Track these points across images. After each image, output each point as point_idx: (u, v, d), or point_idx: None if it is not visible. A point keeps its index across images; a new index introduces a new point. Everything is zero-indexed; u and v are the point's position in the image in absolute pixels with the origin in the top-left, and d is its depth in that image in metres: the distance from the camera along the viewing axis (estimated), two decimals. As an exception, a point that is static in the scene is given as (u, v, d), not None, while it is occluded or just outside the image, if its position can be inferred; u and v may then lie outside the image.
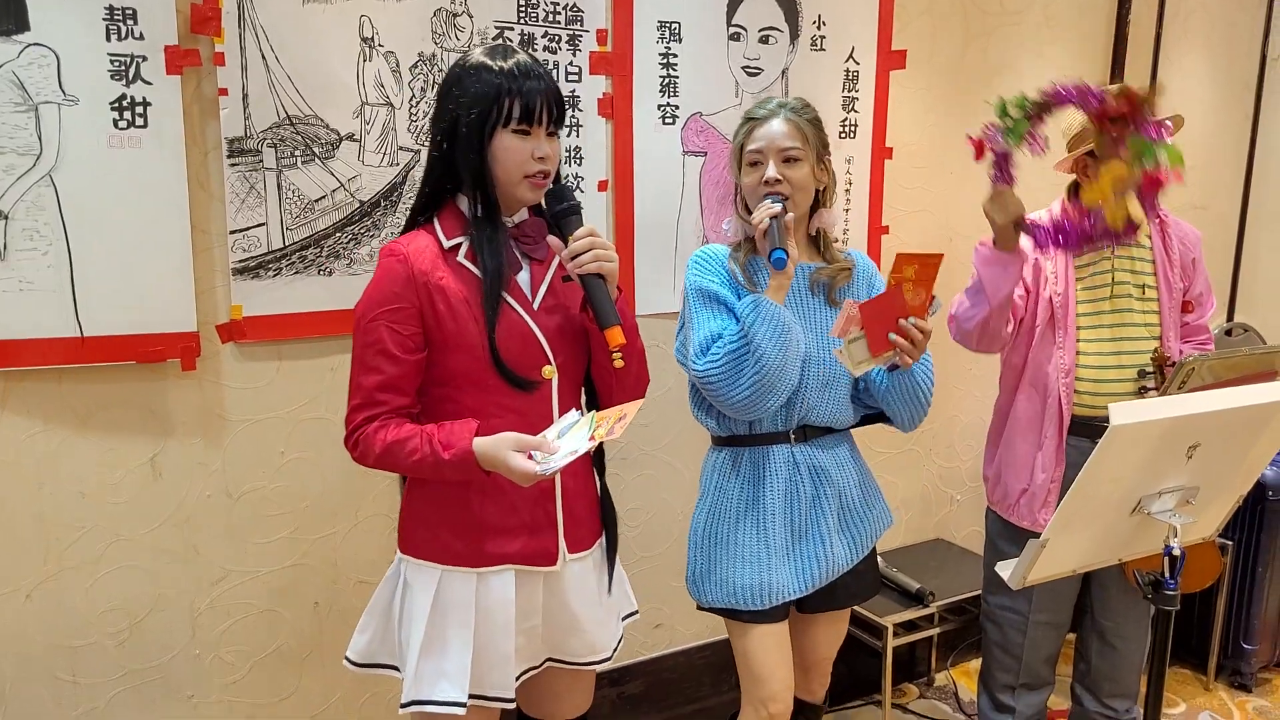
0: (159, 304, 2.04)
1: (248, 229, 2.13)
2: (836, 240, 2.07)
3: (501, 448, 1.55)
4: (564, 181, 1.73)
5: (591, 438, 1.52)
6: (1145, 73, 3.54)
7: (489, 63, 1.61)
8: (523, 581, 1.71)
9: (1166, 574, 1.32)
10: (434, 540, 1.70)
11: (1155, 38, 3.52)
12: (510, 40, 2.36)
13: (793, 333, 1.84)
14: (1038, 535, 2.40)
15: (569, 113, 2.47)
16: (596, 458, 1.85)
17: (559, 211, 1.69)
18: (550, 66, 2.42)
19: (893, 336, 1.82)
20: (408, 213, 1.75)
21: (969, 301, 2.33)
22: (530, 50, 2.37)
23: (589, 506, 1.81)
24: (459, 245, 1.66)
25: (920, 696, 3.21)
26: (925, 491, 3.34)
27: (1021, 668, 2.60)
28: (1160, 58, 3.55)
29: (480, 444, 1.57)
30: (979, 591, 2.81)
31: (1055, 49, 3.32)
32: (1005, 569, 1.32)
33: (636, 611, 1.96)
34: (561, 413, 1.72)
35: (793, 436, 1.98)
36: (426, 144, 1.71)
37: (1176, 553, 1.31)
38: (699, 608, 2.05)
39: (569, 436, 1.59)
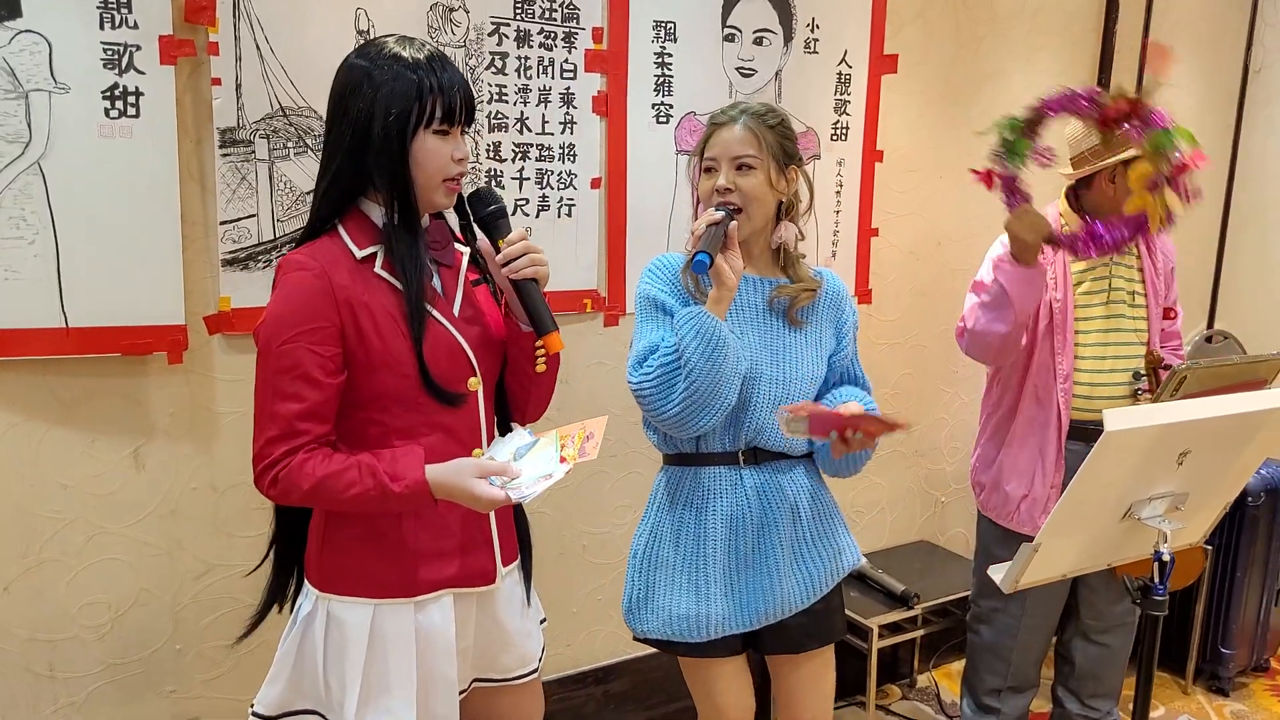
0: (146, 296, 2.02)
1: (238, 220, 2.11)
2: (804, 256, 1.95)
3: (463, 475, 1.45)
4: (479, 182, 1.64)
5: (563, 459, 1.44)
6: (1131, 82, 3.56)
7: (402, 55, 1.48)
8: (458, 603, 1.62)
9: (1156, 580, 1.33)
10: (364, 574, 1.57)
11: (1141, 49, 3.55)
12: (507, 37, 2.35)
13: (728, 348, 1.71)
14: (1026, 537, 2.46)
15: (558, 130, 2.45)
16: None
17: (487, 215, 1.60)
18: (546, 63, 2.42)
19: (834, 436, 1.72)
20: (306, 222, 1.60)
21: (987, 316, 2.29)
22: (528, 45, 2.38)
23: (510, 516, 1.72)
24: (373, 255, 1.53)
25: (903, 698, 3.22)
26: (910, 493, 3.36)
27: (1010, 670, 2.61)
28: (1146, 69, 3.58)
29: (435, 473, 1.46)
30: (964, 594, 2.83)
31: (1044, 55, 3.34)
32: (997, 573, 1.33)
33: (544, 619, 1.87)
34: (489, 424, 1.64)
35: (742, 458, 1.86)
36: (322, 147, 1.59)
37: (1166, 558, 1.33)
38: (635, 638, 1.94)
39: (529, 459, 1.50)
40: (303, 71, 2.12)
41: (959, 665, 3.14)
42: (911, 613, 2.87)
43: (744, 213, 1.79)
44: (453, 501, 1.49)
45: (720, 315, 1.71)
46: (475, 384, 1.60)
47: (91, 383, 2.04)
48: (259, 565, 1.76)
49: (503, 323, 1.68)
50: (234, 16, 2.03)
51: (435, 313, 1.56)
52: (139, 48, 1.94)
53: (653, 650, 2.81)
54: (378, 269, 1.53)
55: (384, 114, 1.46)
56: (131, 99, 1.95)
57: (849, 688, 3.06)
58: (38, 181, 1.90)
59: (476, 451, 1.59)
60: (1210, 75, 3.83)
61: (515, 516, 1.75)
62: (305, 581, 1.66)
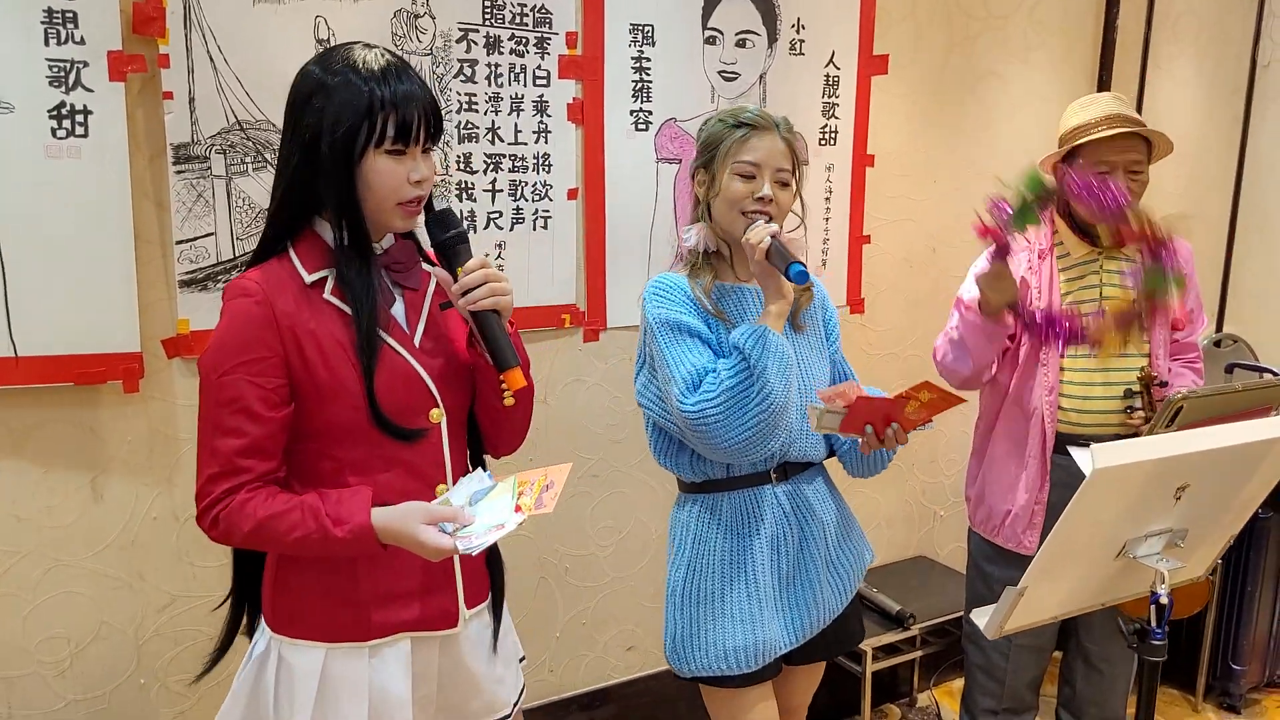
0: (100, 323, 1.93)
1: (195, 239, 2.03)
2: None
3: (409, 521, 1.35)
4: (435, 206, 1.51)
5: (518, 509, 1.35)
6: (1134, 78, 3.46)
7: (356, 65, 1.37)
8: (417, 647, 1.52)
9: (1153, 623, 1.23)
10: (315, 616, 1.48)
11: (1144, 42, 3.45)
12: (475, 44, 2.26)
13: (794, 365, 1.69)
14: (1022, 557, 2.38)
15: (532, 140, 2.36)
16: None
17: (445, 240, 1.47)
18: (518, 70, 2.33)
19: (869, 430, 1.68)
20: (257, 242, 1.49)
21: (952, 354, 2.29)
22: (498, 51, 2.29)
23: (480, 555, 1.54)
24: (323, 280, 1.43)
25: (903, 718, 3.13)
26: (908, 507, 3.26)
27: (1004, 692, 2.53)
28: (1149, 63, 3.48)
29: (381, 517, 1.36)
30: (961, 613, 2.74)
31: (1041, 54, 3.24)
32: (981, 617, 1.23)
33: (523, 657, 1.75)
34: (454, 457, 1.54)
35: (774, 476, 1.82)
36: (276, 160, 1.49)
37: (1164, 600, 1.23)
38: (679, 678, 1.86)
39: (484, 504, 1.40)
40: (260, 83, 2.03)
41: (960, 683, 3.05)
42: (908, 634, 2.78)
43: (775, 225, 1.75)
44: (399, 547, 1.40)
45: (779, 329, 1.68)
46: (438, 416, 1.50)
47: (44, 411, 1.97)
48: (225, 599, 1.68)
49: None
50: (185, 27, 1.95)
51: (391, 341, 1.46)
52: (86, 64, 1.86)
53: (639, 675, 2.78)
54: (327, 295, 1.43)
55: (331, 130, 1.35)
56: (80, 118, 1.87)
57: (845, 708, 2.97)
58: (-19, 204, 1.82)
59: (440, 488, 1.50)
60: (1216, 70, 3.72)
61: (487, 552, 1.63)
62: (261, 618, 1.59)
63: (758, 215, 1.72)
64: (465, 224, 1.54)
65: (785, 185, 1.77)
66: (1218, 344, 3.68)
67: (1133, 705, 2.74)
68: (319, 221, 1.45)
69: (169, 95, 1.95)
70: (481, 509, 1.38)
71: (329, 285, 1.44)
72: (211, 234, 2.04)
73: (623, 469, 2.66)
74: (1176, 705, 3.16)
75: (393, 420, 1.44)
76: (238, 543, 1.43)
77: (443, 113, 1.46)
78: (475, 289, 1.43)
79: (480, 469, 1.51)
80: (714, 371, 1.67)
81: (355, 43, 1.44)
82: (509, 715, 1.68)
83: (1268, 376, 3.40)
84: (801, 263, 1.63)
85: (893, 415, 1.67)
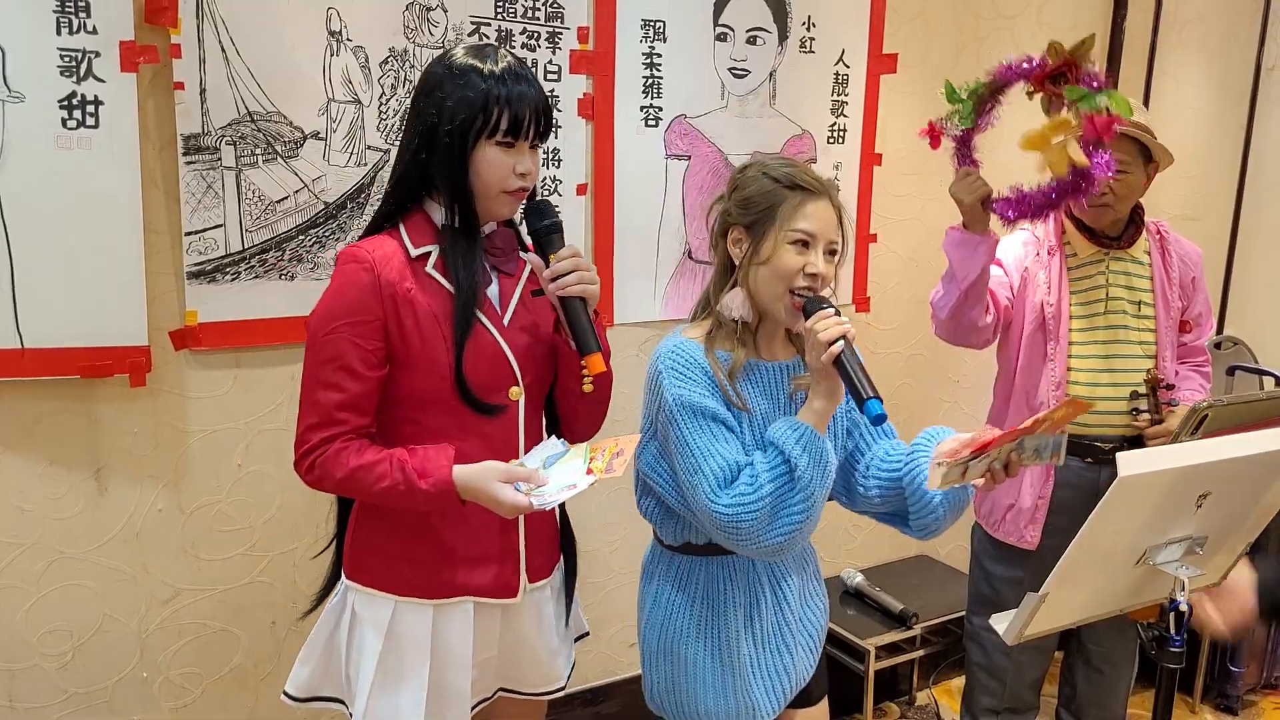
0: (107, 315, 1.92)
1: (204, 230, 2.02)
2: None
3: (487, 478, 1.44)
4: (543, 196, 1.63)
5: (589, 471, 1.42)
6: (1140, 80, 3.46)
7: (477, 65, 1.49)
8: (480, 613, 1.61)
9: (1173, 630, 1.23)
10: (388, 569, 1.59)
11: (1150, 45, 3.45)
12: (487, 37, 2.25)
13: (834, 468, 1.56)
14: (1024, 553, 2.39)
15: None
16: None
17: (540, 229, 1.57)
18: (529, 65, 2.31)
19: (997, 466, 1.51)
20: (372, 215, 1.63)
21: (942, 288, 2.28)
22: (509, 46, 2.27)
23: (550, 533, 1.72)
24: (427, 254, 1.54)
25: (902, 717, 3.14)
26: (909, 506, 3.26)
27: (1006, 692, 2.53)
28: (1154, 66, 3.48)
29: (461, 473, 1.45)
30: (963, 612, 2.74)
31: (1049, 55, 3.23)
32: (1000, 622, 1.23)
33: (587, 633, 1.87)
34: (528, 435, 1.62)
35: None
36: (398, 144, 1.60)
37: (1184, 608, 1.23)
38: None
39: (558, 468, 1.48)
40: (271, 75, 2.02)
41: (960, 682, 3.06)
42: (910, 633, 2.78)
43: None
44: (479, 505, 1.47)
45: (823, 431, 1.53)
46: (517, 394, 1.59)
47: (50, 402, 1.95)
48: (328, 545, 1.75)
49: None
50: (197, 17, 1.93)
51: (483, 319, 1.56)
52: (98, 54, 1.84)
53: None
54: (430, 269, 1.54)
55: (449, 120, 1.48)
56: (91, 108, 1.85)
57: (846, 706, 2.97)
58: (-10, 194, 1.80)
59: (514, 461, 1.55)
60: (1221, 73, 3.72)
61: (561, 532, 1.75)
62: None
63: (808, 296, 1.55)
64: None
65: (832, 256, 1.60)
66: (1219, 345, 3.68)
67: (1133, 705, 2.77)
68: (429, 202, 1.57)
69: (180, 86, 1.93)
70: (555, 472, 1.46)
71: (432, 259, 1.54)
72: (220, 225, 2.03)
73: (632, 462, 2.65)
74: (1175, 707, 3.16)
75: (475, 394, 1.53)
76: (329, 488, 1.53)
77: (552, 118, 1.56)
78: (565, 275, 1.53)
79: (554, 436, 1.59)
80: (750, 468, 1.53)
81: (473, 44, 1.56)
82: (563, 688, 1.75)
83: (1270, 380, 3.41)
84: (880, 398, 1.47)
85: (1029, 432, 1.50)
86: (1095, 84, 1.93)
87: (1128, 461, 1.07)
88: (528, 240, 1.65)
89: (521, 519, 1.62)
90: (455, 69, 1.50)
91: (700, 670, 1.68)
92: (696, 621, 1.69)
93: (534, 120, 1.51)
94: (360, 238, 1.59)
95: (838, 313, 1.52)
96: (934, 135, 2.10)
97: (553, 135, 2.35)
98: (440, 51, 1.55)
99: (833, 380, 1.53)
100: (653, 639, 1.73)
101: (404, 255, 1.53)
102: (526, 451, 1.60)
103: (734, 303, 1.61)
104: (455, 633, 1.59)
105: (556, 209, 1.59)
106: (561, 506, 1.71)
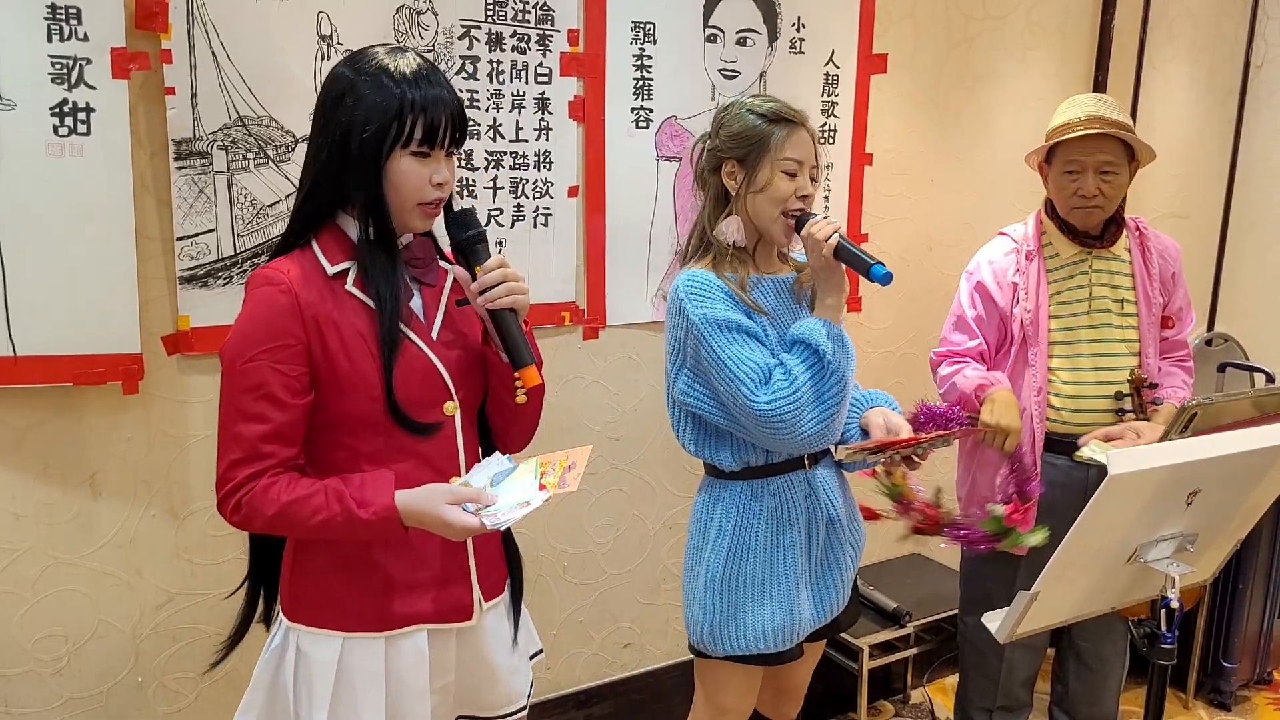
0: (100, 323, 1.91)
1: (196, 235, 2.02)
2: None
3: (434, 502, 1.37)
4: (454, 206, 1.53)
5: (542, 486, 1.37)
6: (1129, 78, 3.48)
7: (388, 68, 1.40)
8: (435, 639, 1.54)
9: (1163, 627, 1.24)
10: (332, 605, 1.50)
11: (1139, 43, 3.46)
12: (478, 40, 2.25)
13: (853, 352, 1.78)
14: (1012, 555, 2.39)
15: (533, 136, 2.36)
16: None
17: (465, 240, 1.50)
18: (519, 67, 2.32)
19: (894, 459, 1.79)
20: (280, 234, 1.52)
21: (941, 387, 2.40)
22: (500, 48, 2.28)
23: (497, 549, 1.65)
24: (345, 271, 1.45)
25: (896, 715, 3.14)
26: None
27: (999, 690, 2.54)
28: (1144, 64, 3.49)
29: (405, 499, 1.38)
30: (956, 610, 2.75)
31: (1038, 54, 3.25)
32: (993, 620, 1.24)
33: (541, 650, 1.78)
34: (466, 451, 1.56)
35: (807, 461, 1.87)
36: (305, 156, 1.52)
37: (1174, 604, 1.24)
38: (704, 655, 1.90)
39: (506, 485, 1.42)
40: (262, 79, 2.02)
41: (953, 680, 3.07)
42: (904, 631, 2.79)
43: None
44: (425, 530, 1.42)
45: (839, 321, 1.75)
46: (452, 409, 1.52)
47: (44, 408, 1.95)
48: (237, 589, 1.68)
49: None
50: (188, 22, 1.93)
51: (411, 334, 1.48)
52: (89, 61, 1.84)
53: (635, 673, 2.78)
54: (349, 286, 1.46)
55: (360, 129, 1.39)
56: (82, 115, 1.84)
57: (840, 704, 2.98)
58: (-19, 201, 1.80)
59: (454, 479, 1.51)
60: (1211, 71, 3.74)
61: (505, 546, 1.68)
62: (278, 609, 1.60)
63: (798, 213, 1.77)
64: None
65: (814, 180, 1.82)
66: (1209, 343, 3.71)
67: (1125, 702, 2.78)
68: (342, 216, 1.48)
69: (171, 91, 1.93)
70: (504, 489, 1.41)
71: (351, 277, 1.46)
72: (212, 230, 2.03)
73: (621, 466, 2.66)
74: (1168, 702, 3.18)
75: (408, 413, 1.46)
76: (259, 528, 1.43)
77: (466, 121, 1.48)
78: (493, 287, 1.47)
79: (498, 453, 1.53)
80: (780, 366, 1.70)
81: (384, 45, 1.47)
82: (525, 707, 1.70)
83: (1260, 377, 3.43)
84: (882, 263, 1.68)
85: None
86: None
87: (1118, 460, 1.08)
88: (446, 248, 1.59)
89: (470, 539, 1.55)
90: (364, 73, 1.40)
91: (768, 588, 1.82)
92: (765, 541, 1.83)
93: (450, 127, 1.42)
94: (270, 257, 1.50)
95: (825, 217, 1.74)
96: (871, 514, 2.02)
97: (544, 137, 2.38)
98: (347, 54, 1.47)
99: (837, 274, 1.74)
100: (719, 566, 1.85)
101: (321, 274, 1.44)
102: (468, 469, 1.54)
103: (730, 228, 1.80)
104: (408, 662, 1.52)
105: (478, 218, 1.53)
106: None
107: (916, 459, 1.81)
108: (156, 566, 2.10)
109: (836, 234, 1.71)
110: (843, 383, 1.70)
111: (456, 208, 1.53)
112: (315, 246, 1.47)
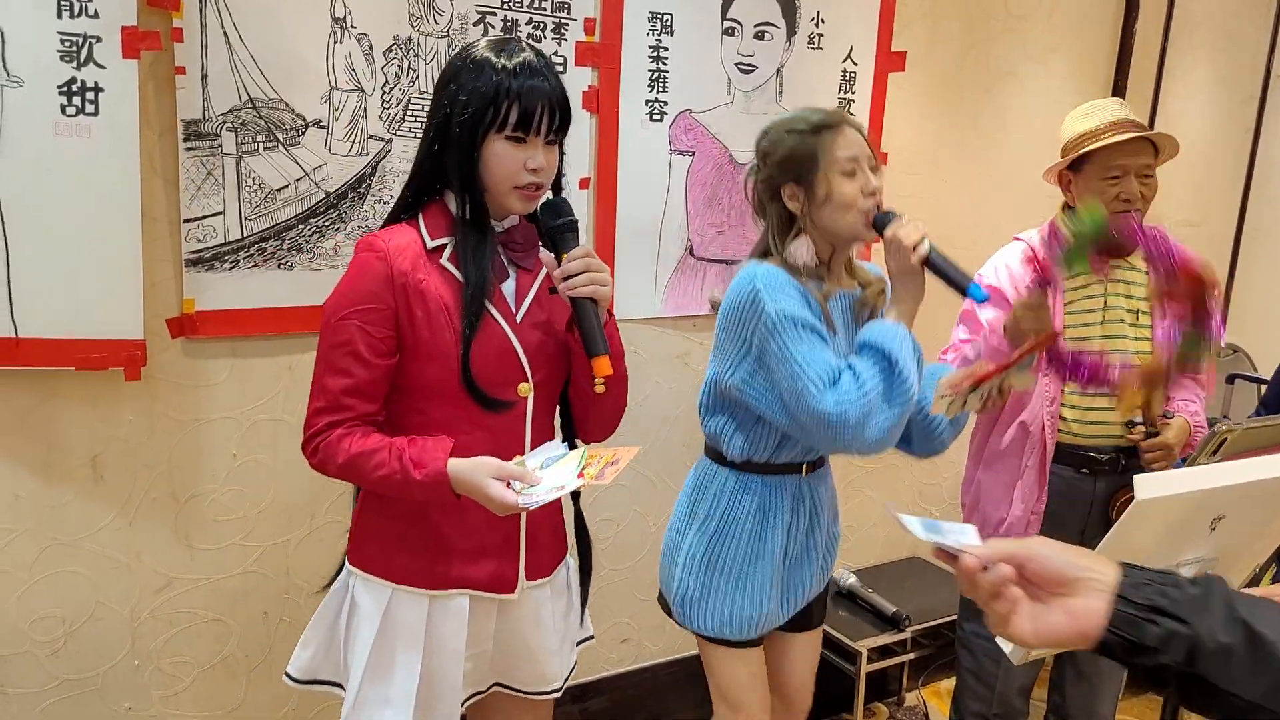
0: (104, 306, 1.89)
1: (203, 218, 1.99)
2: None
3: (480, 474, 1.43)
4: (562, 194, 1.60)
5: (580, 475, 1.41)
6: (1149, 83, 3.44)
7: (492, 59, 1.48)
8: (476, 608, 1.62)
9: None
10: (386, 556, 1.60)
11: (1160, 48, 3.42)
12: (493, 27, 2.22)
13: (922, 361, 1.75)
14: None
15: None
16: None
17: (555, 227, 1.56)
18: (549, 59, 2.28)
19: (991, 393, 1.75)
20: (391, 205, 1.64)
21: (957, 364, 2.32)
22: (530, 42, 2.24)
23: (553, 532, 1.72)
24: (443, 246, 1.54)
25: (890, 718, 3.14)
26: (903, 507, 3.26)
27: (995, 697, 2.53)
28: (1164, 69, 3.46)
29: (456, 467, 1.45)
30: (955, 615, 2.74)
31: (1058, 56, 3.21)
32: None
33: (591, 637, 1.87)
34: (534, 433, 1.61)
35: (805, 467, 1.87)
36: (419, 135, 1.61)
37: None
38: (679, 624, 1.96)
39: (554, 469, 1.47)
40: (274, 61, 1.99)
41: (948, 683, 3.06)
42: (902, 635, 2.78)
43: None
44: (471, 501, 1.48)
45: (910, 326, 1.73)
46: (526, 390, 1.57)
47: (46, 389, 1.93)
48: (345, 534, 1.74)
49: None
50: (200, 1, 1.90)
51: (495, 313, 1.55)
52: (99, 39, 1.80)
53: (632, 668, 2.77)
54: (444, 260, 1.54)
55: (460, 112, 1.47)
56: (90, 95, 1.81)
57: (835, 705, 2.98)
58: (-13, 180, 1.77)
59: (517, 459, 1.54)
60: (1230, 78, 3.70)
61: (577, 530, 1.75)
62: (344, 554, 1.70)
63: (876, 212, 1.73)
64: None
65: (876, 170, 1.77)
66: (1217, 353, 3.68)
67: (1122, 712, 2.77)
68: (447, 194, 1.56)
69: (181, 71, 1.90)
70: (550, 473, 1.45)
71: (447, 252, 1.54)
72: (220, 213, 2.00)
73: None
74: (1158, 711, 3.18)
75: (482, 388, 1.52)
76: (332, 472, 1.52)
77: (569, 113, 1.53)
78: (576, 275, 1.52)
79: (560, 439, 1.60)
80: (850, 370, 1.67)
81: (495, 37, 1.55)
82: (559, 689, 1.75)
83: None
84: (977, 281, 1.64)
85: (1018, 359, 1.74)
86: (1209, 331, 1.78)
87: (1145, 485, 1.06)
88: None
89: (524, 516, 1.61)
90: (471, 61, 1.49)
91: (741, 578, 1.85)
92: (748, 532, 1.85)
93: (547, 115, 1.48)
94: (381, 226, 1.60)
95: (909, 218, 1.69)
96: (1042, 266, 1.97)
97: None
98: (466, 44, 1.55)
99: (917, 280, 1.71)
100: (699, 547, 1.88)
101: (420, 246, 1.53)
102: (532, 449, 1.59)
103: (800, 251, 1.77)
104: (449, 624, 1.59)
105: (573, 207, 1.58)
106: (577, 506, 1.75)
107: (1007, 390, 1.79)
108: (156, 550, 2.09)
109: (926, 240, 1.67)
110: (911, 389, 1.67)
111: (559, 195, 1.59)
112: (421, 219, 1.56)
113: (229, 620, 2.19)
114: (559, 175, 1.59)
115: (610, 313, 1.60)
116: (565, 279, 1.52)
